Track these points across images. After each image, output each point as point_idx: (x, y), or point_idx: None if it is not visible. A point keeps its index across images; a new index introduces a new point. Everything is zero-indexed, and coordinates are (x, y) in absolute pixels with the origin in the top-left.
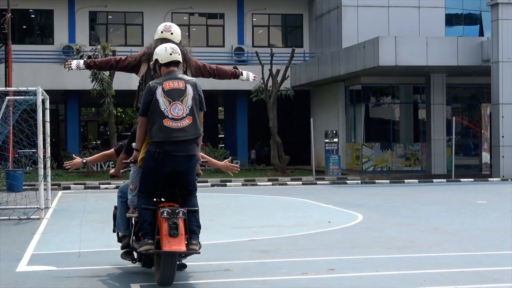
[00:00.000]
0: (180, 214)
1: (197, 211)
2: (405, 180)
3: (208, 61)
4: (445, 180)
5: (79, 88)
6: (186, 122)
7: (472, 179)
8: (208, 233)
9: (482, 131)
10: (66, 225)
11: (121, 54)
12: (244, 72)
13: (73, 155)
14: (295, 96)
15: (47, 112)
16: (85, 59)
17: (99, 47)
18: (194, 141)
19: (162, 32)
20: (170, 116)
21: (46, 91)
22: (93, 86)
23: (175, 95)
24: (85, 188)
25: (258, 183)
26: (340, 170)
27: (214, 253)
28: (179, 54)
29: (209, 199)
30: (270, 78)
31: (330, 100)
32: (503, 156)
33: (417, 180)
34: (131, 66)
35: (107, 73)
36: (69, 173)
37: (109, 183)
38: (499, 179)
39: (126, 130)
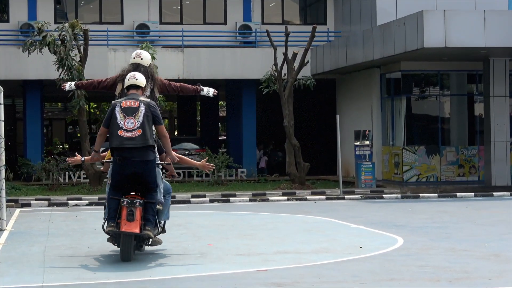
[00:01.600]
0: (137, 204)
1: (154, 203)
2: (457, 194)
3: (206, 43)
4: (508, 193)
5: (42, 78)
6: (136, 133)
7: None
8: (207, 262)
9: None
10: (25, 252)
11: (94, 33)
12: (205, 88)
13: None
14: (316, 86)
15: (1, 108)
16: (76, 81)
17: (66, 25)
18: (149, 149)
19: (134, 58)
20: (123, 128)
21: (0, 81)
22: (60, 74)
23: (129, 112)
24: (50, 204)
25: (269, 198)
26: (374, 181)
27: (215, 287)
28: (136, 79)
29: (207, 219)
30: (285, 64)
31: (361, 91)
32: None
33: (472, 194)
34: (109, 86)
35: (77, 58)
36: (29, 186)
37: (80, 199)
38: None
39: None
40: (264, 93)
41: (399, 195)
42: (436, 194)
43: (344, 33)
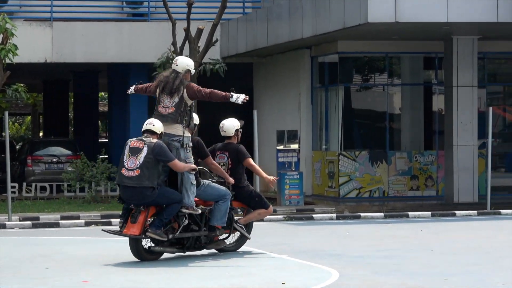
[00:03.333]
0: (142, 208)
1: (163, 209)
2: (409, 213)
3: (83, 15)
4: (475, 212)
5: None
6: (134, 173)
7: None
8: None
9: None
10: None
11: None
12: (235, 95)
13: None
14: (228, 73)
15: None
16: (136, 84)
17: None
18: (145, 190)
19: (172, 64)
20: (126, 166)
21: None
22: None
23: (134, 152)
24: None
25: None
26: (302, 196)
27: None
28: (153, 125)
29: (83, 247)
30: (187, 44)
31: (286, 80)
32: None
33: (429, 213)
34: (153, 91)
35: None
36: None
37: None
38: None
39: None
40: None
41: (334, 215)
42: (382, 214)
43: (264, 3)
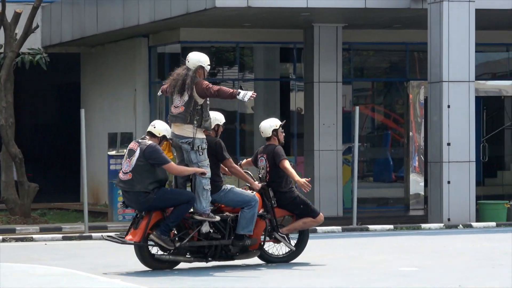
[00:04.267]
0: (143, 213)
1: (171, 212)
2: None
3: None
4: (339, 227)
5: None
6: (127, 177)
7: (391, 226)
8: None
9: (410, 133)
10: None
11: None
12: (242, 92)
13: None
14: (51, 65)
15: None
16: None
17: None
18: (138, 195)
19: (185, 61)
20: (122, 169)
21: None
22: None
23: (129, 154)
24: None
25: None
26: None
27: None
28: (154, 127)
29: None
30: (2, 30)
31: (119, 73)
32: (449, 182)
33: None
34: (169, 91)
35: None
36: None
37: None
38: (442, 225)
39: None
40: None
41: None
42: None
43: None
